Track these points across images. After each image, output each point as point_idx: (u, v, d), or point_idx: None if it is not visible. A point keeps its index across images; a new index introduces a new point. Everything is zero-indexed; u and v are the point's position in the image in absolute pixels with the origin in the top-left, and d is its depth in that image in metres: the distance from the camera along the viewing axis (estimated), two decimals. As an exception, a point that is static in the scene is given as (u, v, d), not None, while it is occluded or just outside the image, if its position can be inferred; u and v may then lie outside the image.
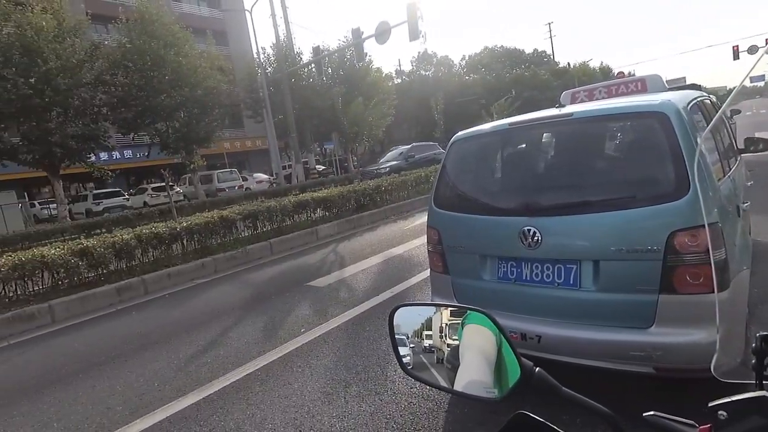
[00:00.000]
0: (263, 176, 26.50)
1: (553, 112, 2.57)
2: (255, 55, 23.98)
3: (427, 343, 0.91)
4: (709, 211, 1.97)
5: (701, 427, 0.61)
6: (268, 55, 25.03)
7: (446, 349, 0.85)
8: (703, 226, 1.92)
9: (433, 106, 25.97)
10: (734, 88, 0.91)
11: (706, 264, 1.90)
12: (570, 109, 2.55)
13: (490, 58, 48.11)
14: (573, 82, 35.58)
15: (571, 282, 2.22)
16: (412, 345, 0.92)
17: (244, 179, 24.70)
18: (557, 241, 2.24)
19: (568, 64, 48.24)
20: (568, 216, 2.24)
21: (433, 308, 0.90)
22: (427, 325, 0.92)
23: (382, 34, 15.47)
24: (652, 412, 0.65)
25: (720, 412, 0.59)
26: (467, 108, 33.44)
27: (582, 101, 4.13)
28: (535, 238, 2.26)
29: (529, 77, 41.16)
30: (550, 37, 58.80)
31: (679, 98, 2.27)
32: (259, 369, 3.43)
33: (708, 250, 1.88)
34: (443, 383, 0.82)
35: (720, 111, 1.33)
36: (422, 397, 2.70)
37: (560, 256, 2.25)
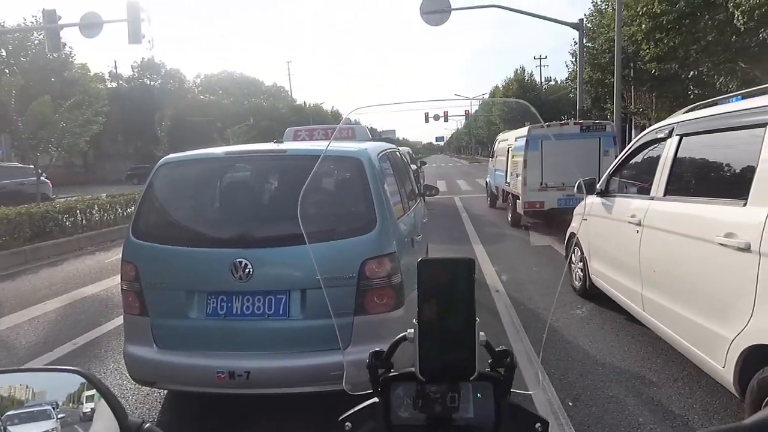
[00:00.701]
0: None
1: (270, 146, 2.66)
2: None
3: (80, 411, 0.76)
4: (390, 242, 2.40)
5: None
6: None
7: (82, 416, 0.75)
8: (386, 255, 2.32)
9: (158, 121, 23.05)
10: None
11: (388, 287, 2.29)
12: (285, 146, 2.70)
13: (229, 82, 47.39)
14: (309, 120, 39.03)
15: (281, 312, 2.28)
16: (62, 415, 0.77)
17: None
18: (268, 272, 2.28)
19: (305, 102, 52.79)
20: (278, 248, 2.30)
21: (43, 373, 0.74)
22: (79, 392, 0.76)
23: (91, 26, 12.78)
24: None
25: (347, 424, 0.65)
26: (201, 129, 31.53)
27: (303, 139, 4.51)
28: (247, 270, 2.23)
29: (267, 108, 42.64)
30: (288, 75, 63.54)
31: (373, 148, 2.73)
32: None
33: (389, 275, 2.28)
34: None
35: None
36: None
37: (271, 287, 2.28)
